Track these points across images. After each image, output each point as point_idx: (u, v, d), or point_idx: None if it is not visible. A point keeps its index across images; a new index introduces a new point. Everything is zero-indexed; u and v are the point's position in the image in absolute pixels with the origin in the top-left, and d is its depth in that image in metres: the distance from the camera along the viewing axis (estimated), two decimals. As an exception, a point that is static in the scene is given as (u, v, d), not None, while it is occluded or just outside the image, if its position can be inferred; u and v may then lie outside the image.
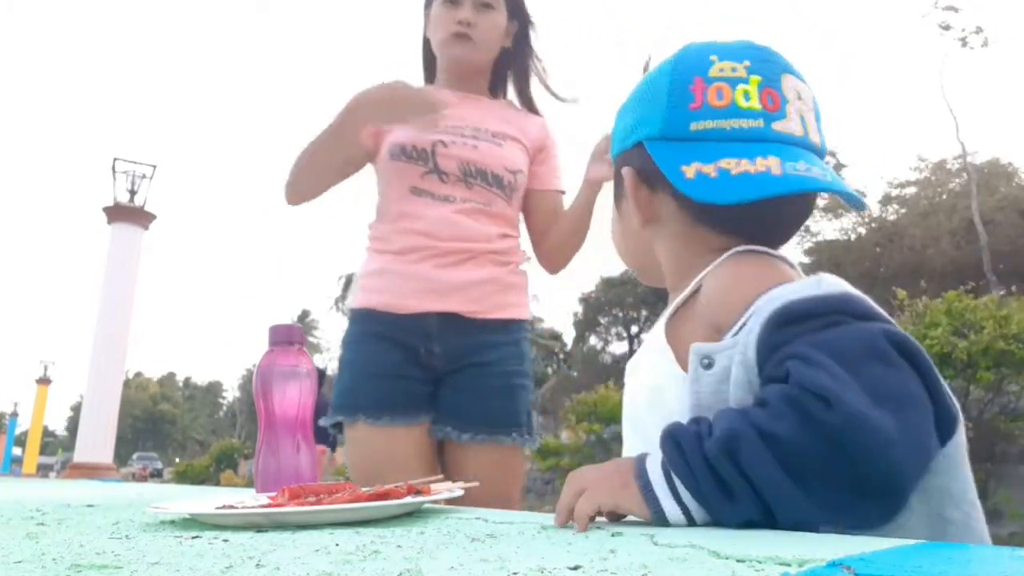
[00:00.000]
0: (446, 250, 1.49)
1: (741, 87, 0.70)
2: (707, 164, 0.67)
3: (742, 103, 0.70)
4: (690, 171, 0.68)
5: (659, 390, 0.69)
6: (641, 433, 0.72)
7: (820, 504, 0.51)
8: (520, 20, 1.65)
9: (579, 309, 33.27)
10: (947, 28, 21.64)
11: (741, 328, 0.62)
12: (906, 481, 0.52)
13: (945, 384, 0.55)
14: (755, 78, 0.71)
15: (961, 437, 0.57)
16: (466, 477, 1.44)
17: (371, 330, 1.51)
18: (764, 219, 0.72)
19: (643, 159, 0.75)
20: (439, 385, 1.51)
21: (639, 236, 0.81)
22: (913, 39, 48.10)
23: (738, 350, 0.60)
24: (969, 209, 19.10)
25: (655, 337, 0.73)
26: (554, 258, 1.67)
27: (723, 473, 0.52)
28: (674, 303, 0.73)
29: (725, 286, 0.68)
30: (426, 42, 1.70)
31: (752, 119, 0.70)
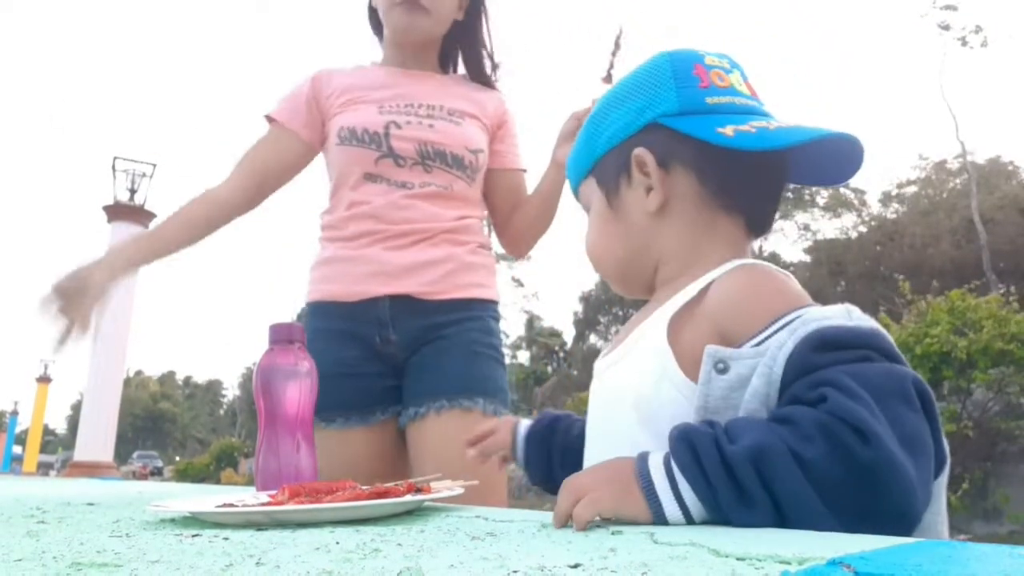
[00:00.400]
0: (398, 232, 1.38)
1: (733, 75, 0.77)
2: (742, 125, 0.70)
3: (738, 87, 0.77)
4: (727, 131, 0.70)
5: (654, 391, 0.67)
6: (615, 434, 0.71)
7: (840, 526, 0.51)
8: None
9: (579, 308, 33.33)
10: (946, 28, 21.69)
11: (765, 340, 0.61)
12: (917, 524, 0.53)
13: (942, 430, 0.57)
14: (736, 71, 0.78)
15: (944, 477, 0.59)
16: (428, 454, 1.34)
17: (322, 326, 1.41)
18: (769, 201, 0.79)
19: (658, 138, 0.75)
20: (403, 376, 1.40)
21: (638, 231, 0.78)
22: (913, 39, 48.16)
23: (763, 362, 0.59)
24: (969, 208, 19.13)
25: (649, 336, 0.71)
26: (519, 242, 1.57)
27: (745, 482, 0.52)
28: (674, 302, 0.71)
29: (746, 293, 0.67)
30: (373, 12, 1.56)
31: (749, 99, 0.76)
